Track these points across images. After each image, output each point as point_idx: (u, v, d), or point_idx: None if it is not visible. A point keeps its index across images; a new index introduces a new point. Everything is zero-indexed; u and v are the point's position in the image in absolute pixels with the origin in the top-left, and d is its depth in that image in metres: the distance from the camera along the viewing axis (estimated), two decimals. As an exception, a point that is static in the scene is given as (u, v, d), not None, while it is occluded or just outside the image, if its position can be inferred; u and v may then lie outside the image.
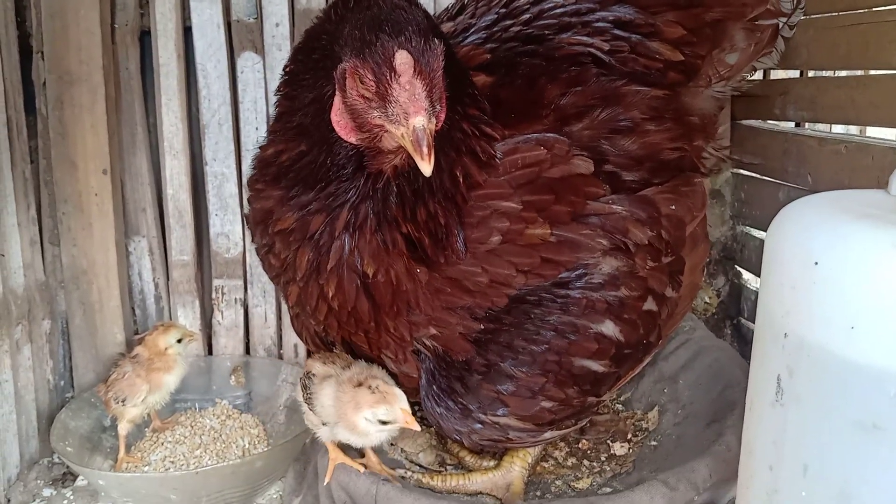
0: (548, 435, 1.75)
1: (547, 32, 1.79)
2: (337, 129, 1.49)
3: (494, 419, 1.66)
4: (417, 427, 1.68)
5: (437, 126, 1.40)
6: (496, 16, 1.85)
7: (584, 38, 1.77)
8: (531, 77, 1.73)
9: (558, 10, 1.81)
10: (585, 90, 1.72)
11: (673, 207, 1.74)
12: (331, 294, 1.60)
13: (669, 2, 1.81)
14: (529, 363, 1.63)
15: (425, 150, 1.33)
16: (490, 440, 1.70)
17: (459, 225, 1.58)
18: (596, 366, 1.67)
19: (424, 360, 1.71)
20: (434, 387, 1.69)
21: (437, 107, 1.39)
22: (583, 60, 1.76)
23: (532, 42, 1.79)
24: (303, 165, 1.56)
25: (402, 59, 1.33)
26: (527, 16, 1.82)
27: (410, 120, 1.33)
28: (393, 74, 1.34)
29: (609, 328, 1.66)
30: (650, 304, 1.72)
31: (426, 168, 1.34)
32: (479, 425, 1.67)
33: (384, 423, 1.68)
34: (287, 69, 1.61)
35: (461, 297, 1.62)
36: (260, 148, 1.70)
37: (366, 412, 1.67)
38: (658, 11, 1.79)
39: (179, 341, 2.28)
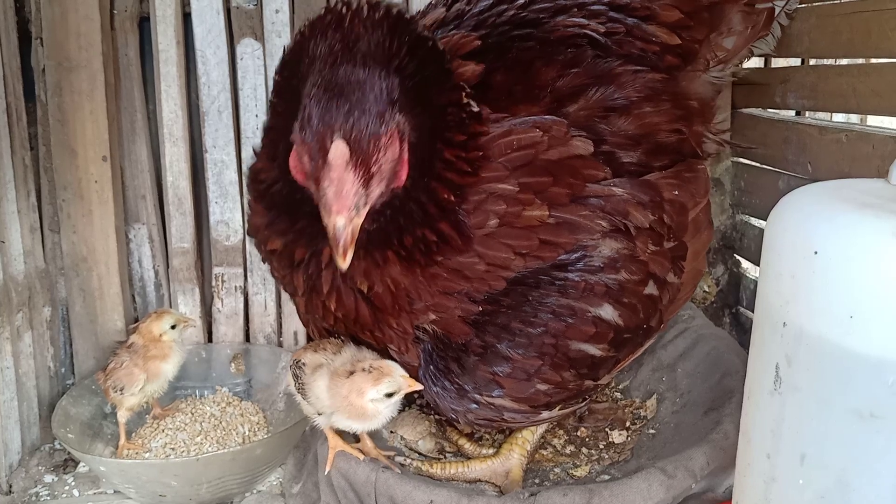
0: (545, 415, 1.75)
1: (542, 16, 1.78)
2: (293, 172, 1.45)
3: (490, 400, 1.66)
4: (419, 386, 1.69)
5: (398, 186, 1.41)
6: (491, 1, 1.83)
7: (580, 21, 1.76)
8: (527, 60, 1.72)
9: None
10: (580, 71, 1.72)
11: (676, 193, 1.74)
12: (333, 307, 1.63)
13: None
14: (525, 345, 1.63)
15: (340, 250, 1.32)
16: (485, 419, 1.70)
17: (456, 229, 1.54)
18: (593, 350, 1.67)
19: (423, 341, 1.71)
20: (431, 367, 1.69)
21: (377, 190, 1.37)
22: (579, 43, 1.75)
23: (527, 26, 1.78)
24: (276, 192, 1.55)
25: (336, 151, 1.28)
26: (522, 0, 1.81)
27: (332, 217, 1.31)
28: (325, 165, 1.30)
29: (608, 312, 1.66)
30: (651, 289, 1.71)
31: (341, 265, 1.35)
32: (475, 405, 1.67)
33: (390, 395, 1.69)
34: (275, 79, 1.55)
35: (459, 282, 1.62)
36: (254, 154, 1.71)
37: (370, 393, 1.68)
38: None
39: (174, 327, 2.26)
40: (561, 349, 1.64)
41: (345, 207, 1.30)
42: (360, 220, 1.35)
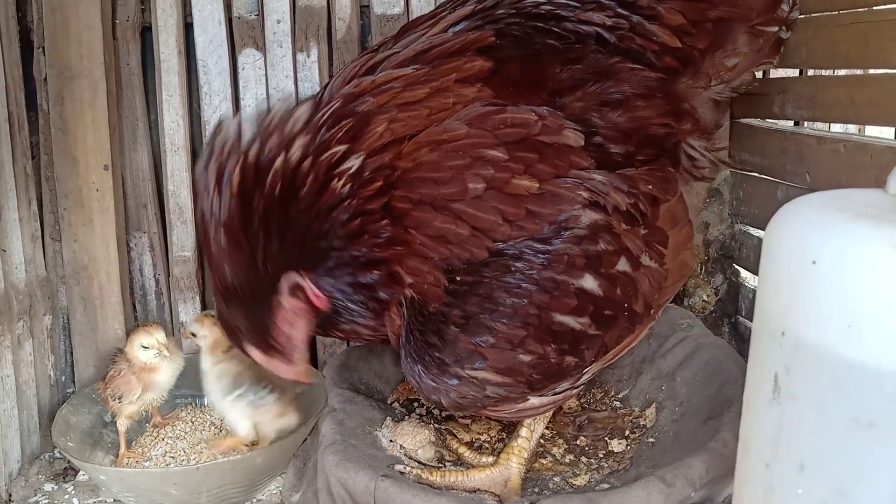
0: (533, 401, 1.76)
1: (563, 12, 1.84)
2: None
3: (472, 373, 1.65)
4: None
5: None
6: None
7: (593, 16, 1.83)
8: (538, 54, 1.79)
9: None
10: (581, 68, 1.78)
11: (650, 187, 1.79)
12: None
13: None
14: (510, 315, 1.63)
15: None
16: (468, 397, 1.70)
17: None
18: (574, 322, 1.68)
19: (403, 315, 1.73)
20: (412, 342, 1.70)
21: (298, 335, 1.75)
22: (587, 40, 1.82)
23: (545, 19, 1.84)
24: None
25: (253, 354, 1.80)
26: None
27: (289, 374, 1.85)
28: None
29: (589, 282, 1.67)
30: (624, 265, 1.72)
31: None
32: (456, 380, 1.67)
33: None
34: None
35: (436, 248, 1.66)
36: None
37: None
38: None
39: (146, 348, 2.22)
40: (545, 320, 1.65)
41: (288, 374, 1.82)
42: (302, 356, 1.79)
